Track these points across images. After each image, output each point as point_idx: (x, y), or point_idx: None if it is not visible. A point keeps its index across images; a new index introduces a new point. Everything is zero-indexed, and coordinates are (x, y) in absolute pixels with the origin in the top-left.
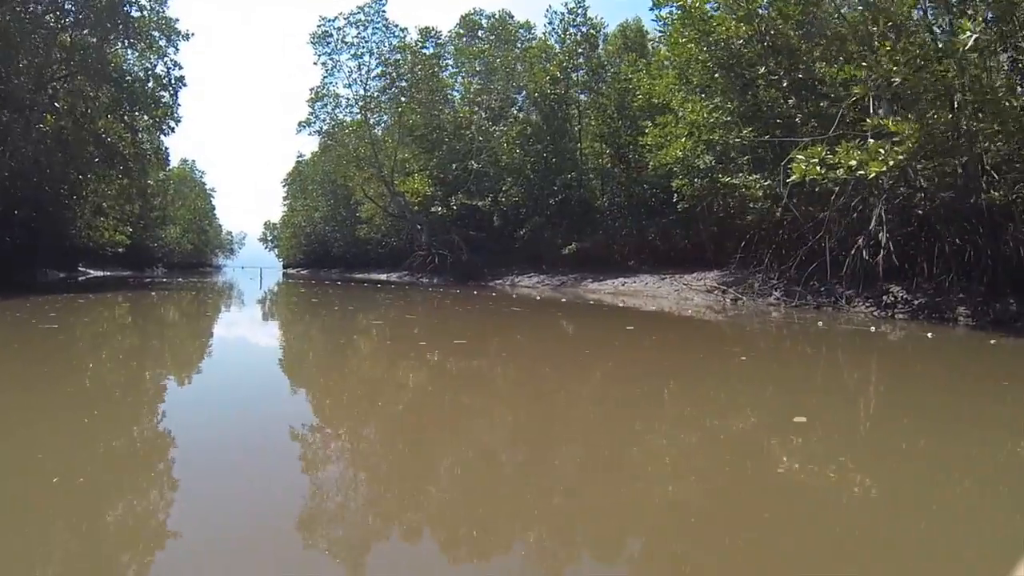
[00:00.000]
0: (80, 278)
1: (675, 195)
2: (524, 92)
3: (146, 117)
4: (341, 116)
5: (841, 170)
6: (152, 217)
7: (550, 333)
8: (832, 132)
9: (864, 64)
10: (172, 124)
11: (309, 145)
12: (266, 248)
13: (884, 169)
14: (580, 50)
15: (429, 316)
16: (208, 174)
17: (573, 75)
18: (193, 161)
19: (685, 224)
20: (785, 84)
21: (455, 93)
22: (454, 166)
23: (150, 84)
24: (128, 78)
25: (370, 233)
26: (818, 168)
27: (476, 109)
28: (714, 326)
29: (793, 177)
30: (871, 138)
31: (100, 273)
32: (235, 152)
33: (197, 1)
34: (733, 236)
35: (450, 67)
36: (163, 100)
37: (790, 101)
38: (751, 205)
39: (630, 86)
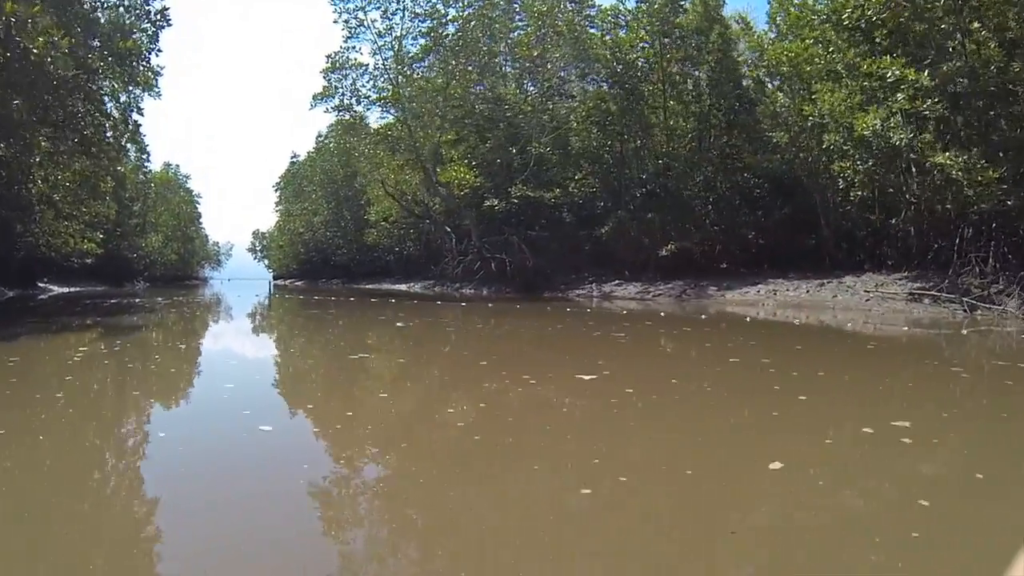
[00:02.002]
0: (40, 296)
1: (831, 180)
2: (598, 62)
3: (109, 58)
4: (366, 90)
5: None
6: (131, 224)
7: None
8: None
9: None
10: (150, 75)
11: (304, 144)
12: (255, 259)
13: None
14: (667, 11)
15: (564, 352)
16: (193, 179)
17: (662, 40)
18: (177, 165)
19: (803, 219)
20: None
21: (505, 64)
22: (513, 150)
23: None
24: None
25: (380, 238)
26: None
27: (540, 80)
28: None
29: None
30: None
31: (66, 290)
32: (220, 160)
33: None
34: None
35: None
36: (134, 35)
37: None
38: (969, 192)
39: (726, 57)
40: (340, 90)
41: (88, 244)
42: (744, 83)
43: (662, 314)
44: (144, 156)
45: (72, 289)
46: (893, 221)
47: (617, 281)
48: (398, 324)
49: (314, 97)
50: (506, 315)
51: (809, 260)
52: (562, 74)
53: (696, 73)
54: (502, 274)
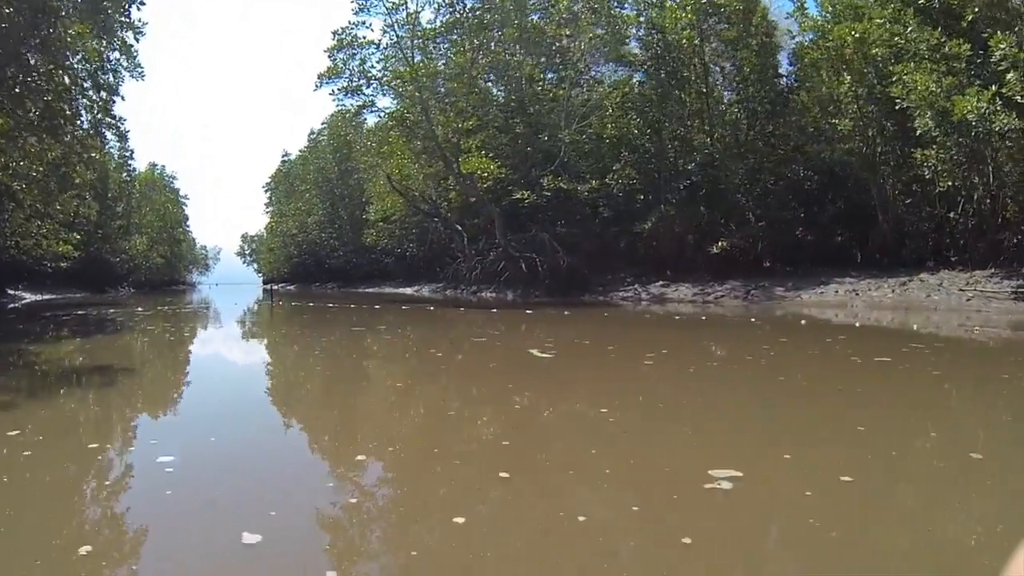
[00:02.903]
0: (11, 305)
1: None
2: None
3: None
4: (376, 70)
5: None
6: (114, 226)
7: None
8: None
9: None
10: (129, 31)
11: (298, 144)
12: (244, 263)
13: None
14: None
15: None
16: (180, 181)
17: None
18: (163, 166)
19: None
20: None
21: (529, 44)
22: (544, 137)
23: None
24: None
25: (379, 239)
26: None
27: (568, 62)
28: None
29: None
30: None
31: (39, 297)
32: (208, 163)
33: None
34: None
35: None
36: None
37: None
38: None
39: (769, 39)
40: (347, 71)
41: (64, 246)
42: (789, 68)
43: (754, 321)
44: (128, 153)
45: (47, 297)
46: (952, 215)
47: (662, 282)
48: (534, 352)
49: (319, 77)
50: (575, 325)
51: (862, 257)
52: (593, 57)
53: (737, 56)
54: (530, 276)
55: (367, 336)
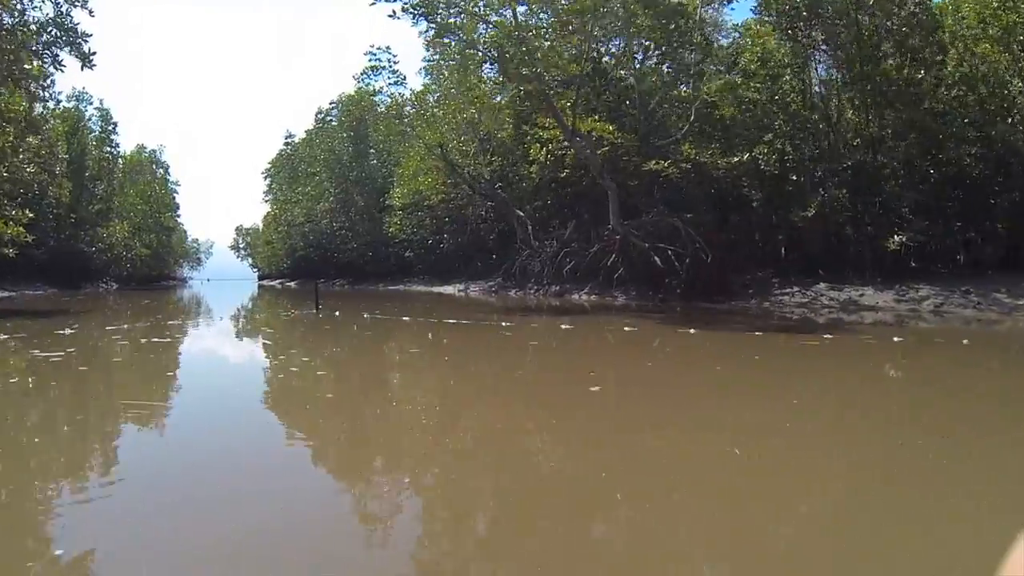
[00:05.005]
0: None
1: None
2: None
3: None
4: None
5: None
6: (92, 210)
7: None
8: None
9: None
10: None
11: (304, 121)
12: (238, 257)
13: None
14: None
15: None
16: (171, 170)
17: None
18: (153, 150)
19: None
20: None
21: None
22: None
23: None
24: None
25: (403, 228)
26: None
27: None
28: None
29: None
30: None
31: None
32: (201, 152)
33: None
34: None
35: None
36: None
37: None
38: None
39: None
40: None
41: (14, 229)
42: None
43: None
44: (111, 127)
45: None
46: None
47: (825, 284)
48: None
49: (403, 9)
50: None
51: None
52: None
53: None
54: (647, 272)
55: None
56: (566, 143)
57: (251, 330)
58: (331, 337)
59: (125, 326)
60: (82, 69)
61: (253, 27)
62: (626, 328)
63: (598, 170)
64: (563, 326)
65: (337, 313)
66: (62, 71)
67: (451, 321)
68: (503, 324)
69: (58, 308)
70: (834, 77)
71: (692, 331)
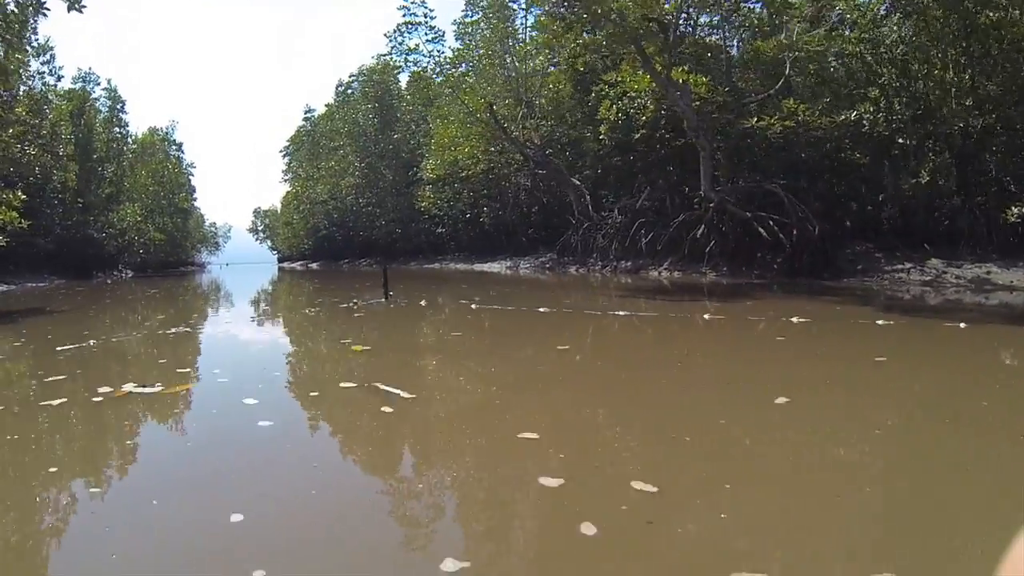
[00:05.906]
0: None
1: None
2: None
3: None
4: None
5: None
6: (101, 194)
7: None
8: None
9: None
10: None
11: (325, 96)
12: (256, 240)
13: None
14: None
15: None
16: (187, 153)
17: None
18: (166, 130)
19: None
20: None
21: None
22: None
23: None
24: None
25: (437, 200)
26: None
27: None
28: None
29: None
30: None
31: None
32: (217, 136)
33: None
34: None
35: None
36: None
37: None
38: None
39: None
40: None
41: (6, 213)
42: None
43: None
44: (119, 106)
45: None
46: None
47: (939, 260)
48: None
49: None
50: None
51: None
52: None
53: None
54: (738, 247)
55: None
56: (639, 101)
57: (369, 366)
58: (486, 345)
59: (90, 343)
60: (68, 11)
61: (262, 19)
62: (794, 319)
63: (694, 127)
64: (706, 316)
65: (423, 302)
66: (45, 15)
67: (594, 312)
68: (648, 314)
69: (37, 306)
70: (940, 28)
71: (881, 322)
